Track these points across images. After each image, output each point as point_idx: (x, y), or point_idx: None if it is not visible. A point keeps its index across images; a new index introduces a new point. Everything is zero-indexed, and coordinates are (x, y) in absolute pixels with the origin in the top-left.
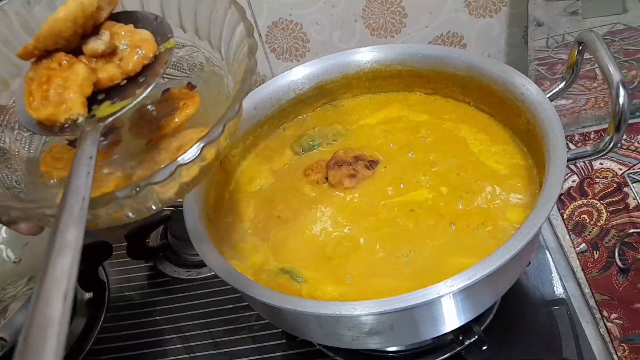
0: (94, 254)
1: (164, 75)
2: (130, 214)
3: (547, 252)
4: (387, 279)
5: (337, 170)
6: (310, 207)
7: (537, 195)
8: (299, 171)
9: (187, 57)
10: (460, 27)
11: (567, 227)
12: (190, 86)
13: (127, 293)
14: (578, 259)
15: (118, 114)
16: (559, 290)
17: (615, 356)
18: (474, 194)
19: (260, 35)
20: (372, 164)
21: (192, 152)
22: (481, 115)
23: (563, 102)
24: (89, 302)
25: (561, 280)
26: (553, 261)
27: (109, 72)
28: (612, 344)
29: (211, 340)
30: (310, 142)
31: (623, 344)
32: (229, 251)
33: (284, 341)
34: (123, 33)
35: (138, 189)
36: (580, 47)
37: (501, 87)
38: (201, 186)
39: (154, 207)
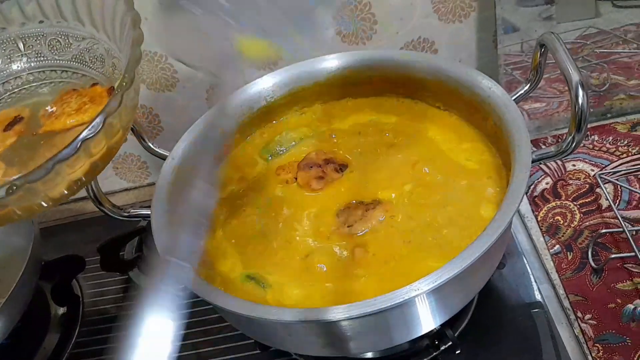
0: (66, 268)
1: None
2: (18, 212)
3: (522, 254)
4: (355, 282)
5: (307, 172)
6: (279, 208)
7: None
8: (268, 174)
9: (88, 49)
10: (431, 32)
11: (541, 229)
12: (98, 87)
13: (101, 307)
14: (552, 260)
15: None
16: (534, 293)
17: (589, 357)
18: (445, 191)
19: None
20: (342, 167)
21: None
22: (450, 118)
23: (537, 105)
24: (63, 317)
25: (536, 282)
26: (528, 263)
27: None
28: (587, 344)
29: (193, 351)
30: (278, 148)
31: (597, 344)
32: (199, 260)
33: (257, 352)
34: None
35: (15, 187)
36: (542, 49)
37: (468, 91)
38: (169, 196)
39: (44, 205)
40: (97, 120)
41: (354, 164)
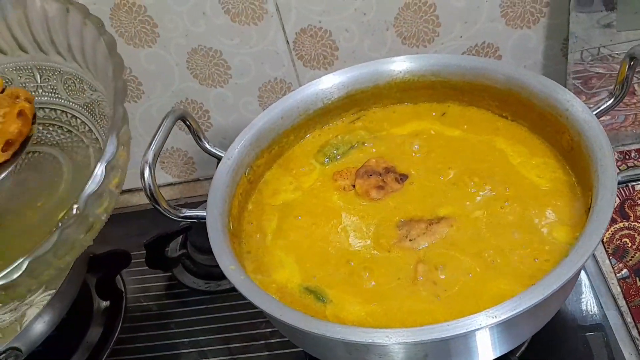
0: (112, 262)
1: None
2: None
3: (586, 276)
4: (418, 300)
5: (366, 180)
6: (336, 218)
7: (583, 214)
8: (324, 180)
9: (98, 103)
10: (496, 37)
11: (607, 251)
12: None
13: (144, 303)
14: (619, 285)
15: None
16: (598, 318)
17: None
18: (515, 209)
19: (287, 42)
20: (402, 177)
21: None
22: (519, 129)
23: (601, 118)
24: (106, 311)
25: (602, 307)
26: (592, 287)
27: None
28: None
29: (229, 356)
30: (334, 151)
31: None
32: (251, 265)
33: None
34: (1, 117)
35: None
36: (632, 62)
37: (543, 102)
38: (224, 198)
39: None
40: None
41: (414, 175)
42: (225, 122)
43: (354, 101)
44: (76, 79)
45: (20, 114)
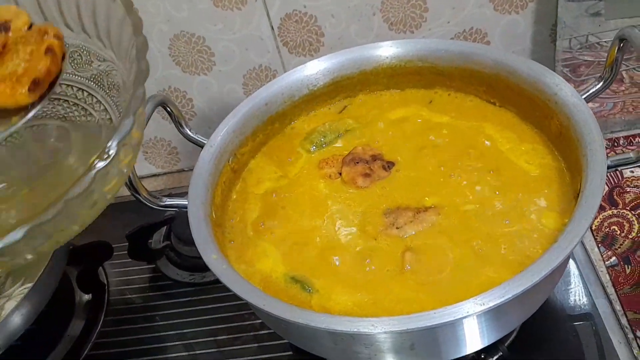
0: (93, 254)
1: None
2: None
3: (574, 265)
4: (406, 289)
5: (352, 167)
6: (322, 206)
7: (572, 200)
8: (310, 168)
9: (107, 73)
10: (484, 23)
11: (595, 239)
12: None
13: (127, 296)
14: (608, 273)
15: None
16: (587, 307)
17: None
18: (503, 196)
19: (272, 28)
20: (389, 164)
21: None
22: (507, 115)
23: (589, 105)
24: (88, 304)
25: (590, 295)
26: (581, 275)
27: (3, 99)
28: None
29: (216, 348)
30: (322, 139)
31: None
32: (235, 254)
33: (291, 353)
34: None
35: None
36: (622, 44)
37: (531, 87)
38: (207, 186)
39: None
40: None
41: (401, 162)
42: (210, 111)
43: (340, 87)
44: (83, 51)
45: (49, 51)
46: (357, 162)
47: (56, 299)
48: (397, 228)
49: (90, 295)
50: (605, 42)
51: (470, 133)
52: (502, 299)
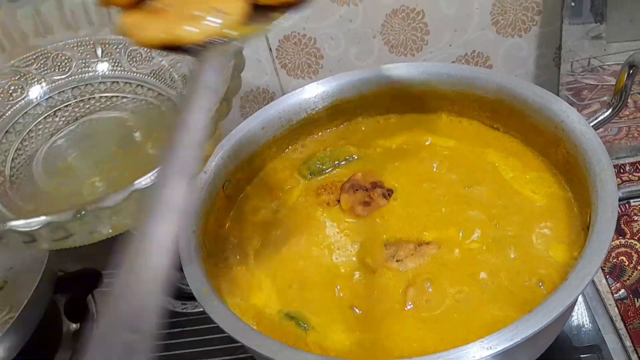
0: (82, 282)
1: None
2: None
3: (582, 297)
4: (407, 327)
5: (351, 195)
6: (320, 235)
7: (580, 231)
8: (308, 195)
9: (171, 66)
10: (486, 46)
11: (603, 270)
12: None
13: None
14: (617, 306)
15: (248, 40)
16: (595, 340)
17: None
18: (509, 227)
19: (270, 50)
20: (389, 192)
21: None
22: (511, 142)
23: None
24: (75, 335)
25: (599, 330)
26: (589, 308)
27: None
28: None
29: None
30: (319, 165)
31: None
32: (228, 287)
33: None
34: None
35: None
36: (632, 71)
37: (536, 113)
38: (199, 214)
39: (104, 232)
40: None
41: (401, 190)
42: None
43: (339, 111)
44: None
45: None
46: (357, 190)
47: (42, 329)
48: (397, 261)
49: (79, 324)
50: (607, 65)
51: (473, 159)
52: (511, 343)
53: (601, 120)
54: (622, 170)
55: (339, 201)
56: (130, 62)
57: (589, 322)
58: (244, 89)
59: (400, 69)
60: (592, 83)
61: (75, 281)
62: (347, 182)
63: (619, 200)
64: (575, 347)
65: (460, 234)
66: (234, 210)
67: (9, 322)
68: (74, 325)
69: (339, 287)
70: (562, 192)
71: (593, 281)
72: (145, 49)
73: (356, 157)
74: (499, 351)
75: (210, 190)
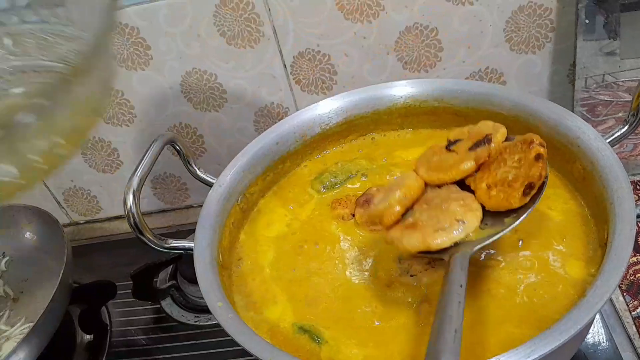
0: (96, 293)
1: None
2: None
3: (599, 315)
4: (420, 344)
5: (366, 209)
6: (333, 249)
7: (597, 248)
8: (321, 209)
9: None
10: (500, 62)
11: (620, 288)
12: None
13: (130, 337)
14: (635, 324)
15: (486, 242)
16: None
17: None
18: (525, 243)
19: (285, 66)
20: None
21: None
22: None
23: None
24: (89, 345)
25: (617, 348)
26: (606, 326)
27: (497, 203)
28: None
29: None
30: (332, 179)
31: None
32: (242, 300)
33: None
34: (515, 162)
35: None
36: None
37: (552, 130)
38: (214, 228)
39: None
40: None
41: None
42: (220, 148)
43: (353, 127)
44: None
45: (539, 157)
46: (371, 204)
47: (57, 340)
48: (411, 276)
49: (92, 336)
50: (622, 81)
51: None
52: None
53: (617, 137)
54: (638, 187)
55: (353, 215)
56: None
57: (606, 340)
58: (258, 104)
59: (414, 85)
60: (606, 99)
61: (90, 293)
62: (362, 197)
63: (637, 217)
64: None
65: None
66: (247, 224)
67: (24, 333)
68: (87, 337)
69: (351, 301)
70: (578, 208)
71: (610, 299)
72: None
73: (369, 170)
74: None
75: (224, 204)
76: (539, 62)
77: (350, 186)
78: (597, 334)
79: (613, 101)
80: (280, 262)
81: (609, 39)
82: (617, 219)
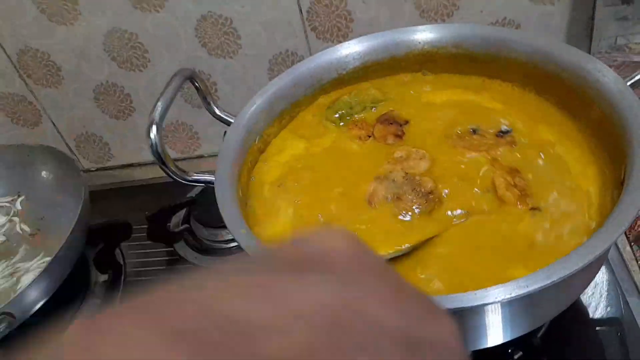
0: (112, 234)
1: None
2: None
3: (608, 262)
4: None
5: (386, 126)
6: (352, 164)
7: (613, 190)
8: (337, 136)
9: None
10: (518, 13)
11: (627, 237)
12: None
13: (144, 277)
14: None
15: None
16: (620, 306)
17: None
18: (539, 188)
19: (301, 11)
20: None
21: None
22: (544, 104)
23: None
24: (104, 284)
25: (623, 294)
26: (614, 273)
27: None
28: None
29: None
30: (349, 109)
31: None
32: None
33: None
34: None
35: None
36: None
37: (571, 75)
38: (234, 164)
39: None
40: None
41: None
42: (233, 96)
43: (370, 72)
44: None
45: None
46: (391, 123)
47: (73, 278)
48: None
49: (107, 275)
50: (635, 43)
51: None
52: (547, 282)
53: (638, 79)
54: None
55: (369, 136)
56: None
57: (613, 287)
58: (272, 51)
59: (433, 31)
60: (619, 60)
61: (105, 233)
62: (383, 115)
63: None
64: (596, 318)
65: (489, 191)
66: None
67: (42, 267)
68: (102, 276)
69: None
70: (592, 156)
71: (617, 247)
72: None
73: (384, 102)
74: (533, 289)
75: (243, 143)
76: (557, 13)
77: (365, 115)
78: (603, 279)
79: (625, 61)
80: (289, 180)
81: (622, 4)
82: (636, 157)
